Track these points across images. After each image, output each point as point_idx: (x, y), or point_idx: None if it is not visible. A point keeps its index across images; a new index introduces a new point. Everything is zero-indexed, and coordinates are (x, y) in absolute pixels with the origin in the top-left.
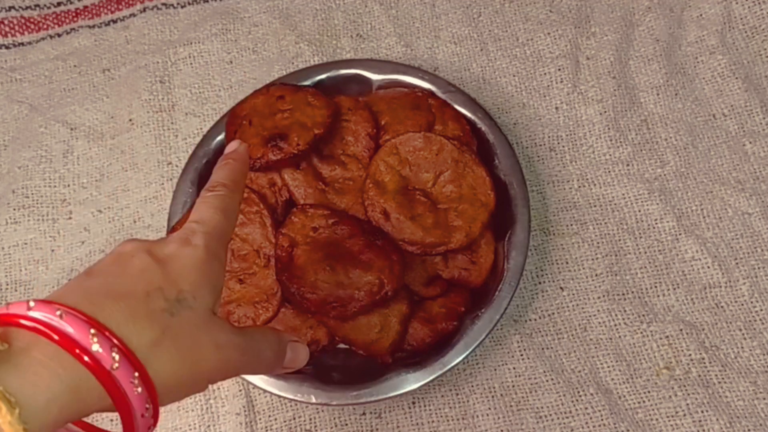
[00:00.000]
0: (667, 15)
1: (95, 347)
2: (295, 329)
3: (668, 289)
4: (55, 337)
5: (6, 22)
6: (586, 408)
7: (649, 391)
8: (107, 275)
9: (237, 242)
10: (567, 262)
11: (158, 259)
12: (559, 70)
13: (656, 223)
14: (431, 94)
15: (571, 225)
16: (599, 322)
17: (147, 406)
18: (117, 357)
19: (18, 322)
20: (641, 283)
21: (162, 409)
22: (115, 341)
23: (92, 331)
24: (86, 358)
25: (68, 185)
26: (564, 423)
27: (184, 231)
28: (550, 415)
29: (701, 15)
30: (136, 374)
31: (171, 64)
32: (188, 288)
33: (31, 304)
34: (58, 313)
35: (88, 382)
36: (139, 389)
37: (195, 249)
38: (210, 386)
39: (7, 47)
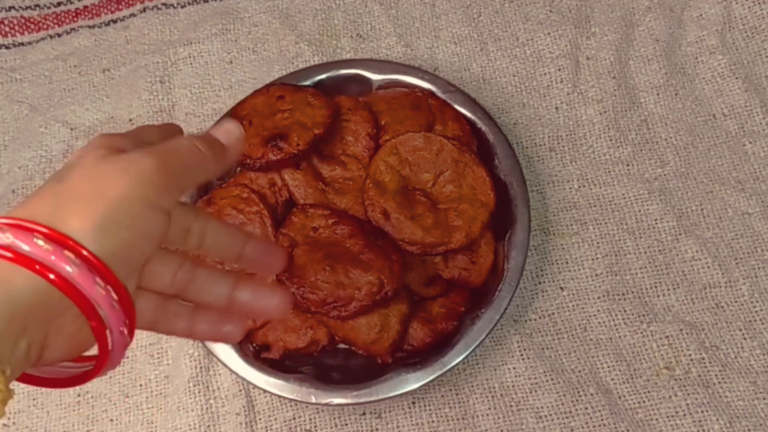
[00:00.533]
0: (667, 15)
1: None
2: (295, 329)
3: (668, 289)
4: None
5: (6, 22)
6: (586, 408)
7: (649, 391)
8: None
9: None
10: (567, 262)
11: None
12: (559, 70)
13: (656, 223)
14: (431, 94)
15: (571, 225)
16: (599, 322)
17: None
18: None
19: None
20: (641, 283)
21: (162, 410)
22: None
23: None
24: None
25: None
26: (564, 423)
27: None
28: (550, 415)
29: (701, 15)
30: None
31: (171, 64)
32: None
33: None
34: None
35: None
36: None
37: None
38: (210, 386)
39: (7, 47)
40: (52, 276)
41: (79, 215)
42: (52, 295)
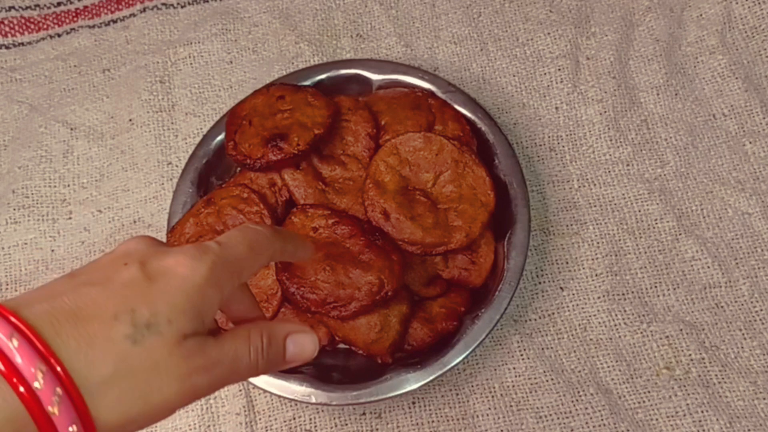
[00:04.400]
0: (667, 15)
1: (37, 384)
2: None
3: (668, 289)
4: (1, 368)
5: (6, 22)
6: (586, 408)
7: (649, 391)
8: (88, 283)
9: None
10: (567, 262)
11: (148, 274)
12: (559, 70)
13: (656, 223)
14: (431, 94)
15: (571, 225)
16: (599, 322)
17: None
18: (57, 399)
19: None
20: (641, 283)
21: None
22: (62, 375)
23: (41, 367)
24: (23, 390)
25: (68, 185)
26: (564, 423)
27: (199, 245)
28: (550, 415)
29: (701, 15)
30: (74, 427)
31: (171, 64)
32: (165, 310)
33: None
34: (14, 338)
35: (26, 417)
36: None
37: (195, 269)
38: None
39: (7, 47)
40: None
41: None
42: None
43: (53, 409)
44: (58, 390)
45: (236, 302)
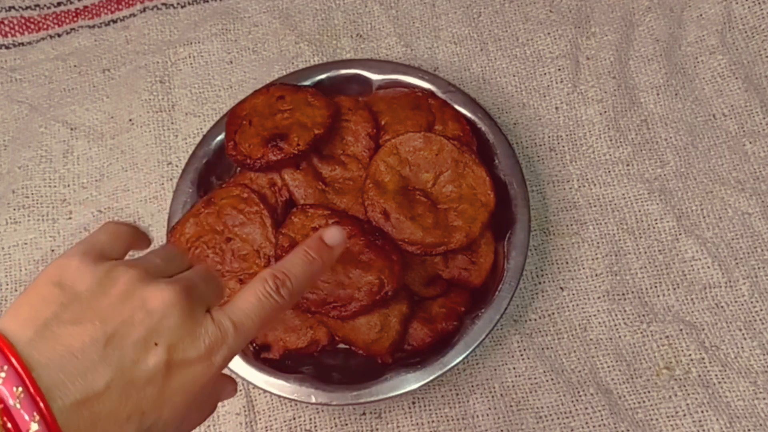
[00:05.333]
0: (667, 15)
1: None
2: (295, 329)
3: (668, 289)
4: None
5: (6, 22)
6: (586, 408)
7: (649, 391)
8: (118, 365)
9: (237, 242)
10: (567, 262)
11: (170, 368)
12: (559, 70)
13: (656, 223)
14: (431, 94)
15: (571, 225)
16: (599, 322)
17: None
18: None
19: None
20: (641, 283)
21: None
22: None
23: None
24: None
25: (68, 185)
26: (564, 423)
27: (217, 333)
28: (550, 415)
29: (701, 15)
30: None
31: (171, 64)
32: (167, 415)
33: (2, 374)
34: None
35: None
36: None
37: (207, 369)
38: None
39: (7, 47)
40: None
41: None
42: None
43: None
44: None
45: None
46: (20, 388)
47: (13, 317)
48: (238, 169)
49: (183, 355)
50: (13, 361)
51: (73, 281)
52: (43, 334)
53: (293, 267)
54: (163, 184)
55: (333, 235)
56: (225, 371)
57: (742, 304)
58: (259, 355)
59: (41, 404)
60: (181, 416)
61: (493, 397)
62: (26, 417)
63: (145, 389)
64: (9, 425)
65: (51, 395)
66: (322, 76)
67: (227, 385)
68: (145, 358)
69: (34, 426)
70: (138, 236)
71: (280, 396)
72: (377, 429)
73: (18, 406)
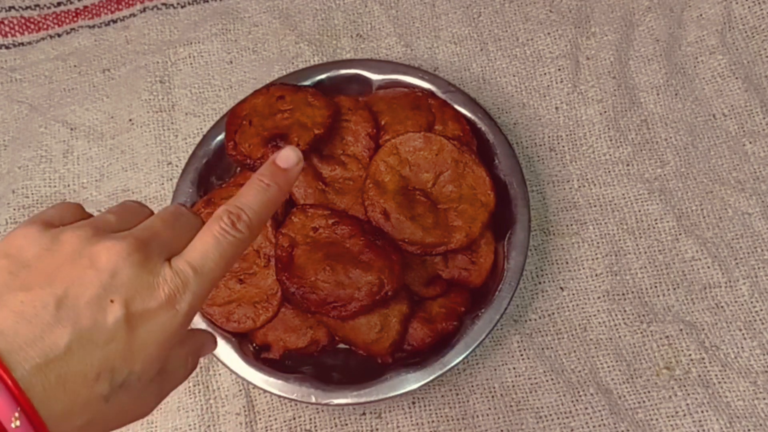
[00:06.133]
0: (667, 15)
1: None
2: (295, 329)
3: (668, 289)
4: None
5: (6, 22)
6: (586, 408)
7: (649, 391)
8: (75, 325)
9: None
10: (567, 262)
11: (131, 322)
12: (559, 70)
13: (656, 223)
14: (431, 94)
15: (571, 225)
16: (599, 322)
17: None
18: None
19: None
20: (641, 283)
21: (162, 410)
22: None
23: (16, 415)
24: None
25: (68, 185)
26: (564, 423)
27: (176, 280)
28: (550, 415)
29: (701, 15)
30: None
31: (171, 64)
32: (139, 368)
33: None
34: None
35: None
36: None
37: (173, 317)
38: (210, 386)
39: (7, 47)
40: None
41: None
42: None
43: None
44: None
45: None
46: None
47: None
48: (238, 169)
49: (143, 307)
50: None
51: (20, 250)
52: None
53: (248, 199)
54: (163, 184)
55: (286, 156)
56: (226, 367)
57: (742, 304)
58: (259, 355)
59: (1, 372)
60: (154, 368)
61: (493, 397)
62: None
63: (108, 346)
64: None
65: (10, 361)
66: (322, 76)
67: (206, 339)
68: (103, 316)
69: None
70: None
71: (280, 396)
72: (377, 429)
73: None
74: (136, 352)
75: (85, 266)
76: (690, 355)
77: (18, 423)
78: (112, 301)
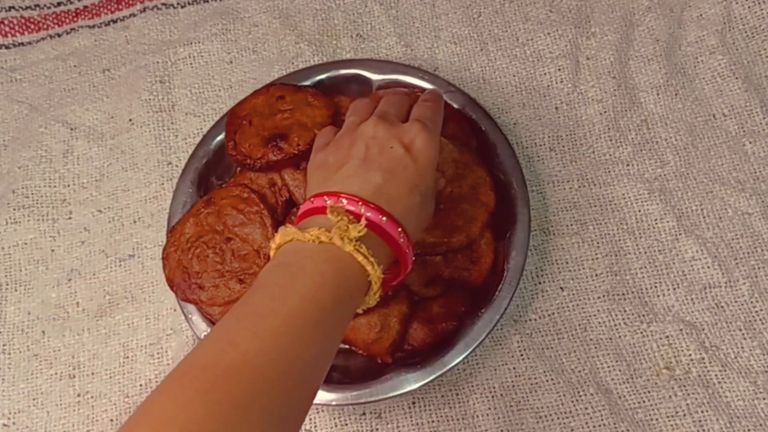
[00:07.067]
0: (667, 15)
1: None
2: None
3: (668, 289)
4: (364, 220)
5: (6, 22)
6: (586, 408)
7: (649, 391)
8: (383, 171)
9: (237, 242)
10: (567, 262)
11: (413, 156)
12: (559, 70)
13: (656, 223)
14: None
15: (571, 225)
16: (599, 322)
17: (407, 250)
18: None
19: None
20: (641, 283)
21: None
22: (397, 227)
23: (383, 218)
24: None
25: (68, 185)
26: (564, 423)
27: (418, 119)
28: (550, 415)
29: (701, 15)
30: (400, 229)
31: (171, 64)
32: (429, 181)
33: (344, 201)
34: (363, 209)
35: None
36: (402, 239)
37: (434, 148)
38: None
39: (7, 47)
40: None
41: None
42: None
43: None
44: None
45: None
46: (345, 200)
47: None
48: (238, 169)
49: (415, 147)
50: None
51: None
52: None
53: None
54: (163, 184)
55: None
56: None
57: (742, 304)
58: None
59: (382, 211)
60: (434, 180)
61: (493, 397)
62: (361, 206)
63: (405, 172)
64: (350, 216)
65: (359, 192)
66: (322, 76)
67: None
68: (396, 152)
69: (362, 208)
70: None
71: None
72: (377, 429)
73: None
74: (422, 172)
75: (385, 137)
76: (690, 355)
77: (402, 239)
78: (393, 146)
